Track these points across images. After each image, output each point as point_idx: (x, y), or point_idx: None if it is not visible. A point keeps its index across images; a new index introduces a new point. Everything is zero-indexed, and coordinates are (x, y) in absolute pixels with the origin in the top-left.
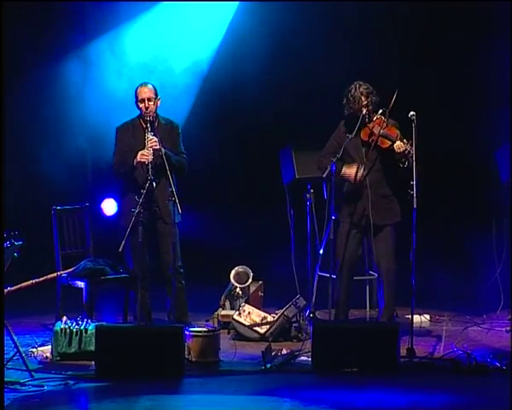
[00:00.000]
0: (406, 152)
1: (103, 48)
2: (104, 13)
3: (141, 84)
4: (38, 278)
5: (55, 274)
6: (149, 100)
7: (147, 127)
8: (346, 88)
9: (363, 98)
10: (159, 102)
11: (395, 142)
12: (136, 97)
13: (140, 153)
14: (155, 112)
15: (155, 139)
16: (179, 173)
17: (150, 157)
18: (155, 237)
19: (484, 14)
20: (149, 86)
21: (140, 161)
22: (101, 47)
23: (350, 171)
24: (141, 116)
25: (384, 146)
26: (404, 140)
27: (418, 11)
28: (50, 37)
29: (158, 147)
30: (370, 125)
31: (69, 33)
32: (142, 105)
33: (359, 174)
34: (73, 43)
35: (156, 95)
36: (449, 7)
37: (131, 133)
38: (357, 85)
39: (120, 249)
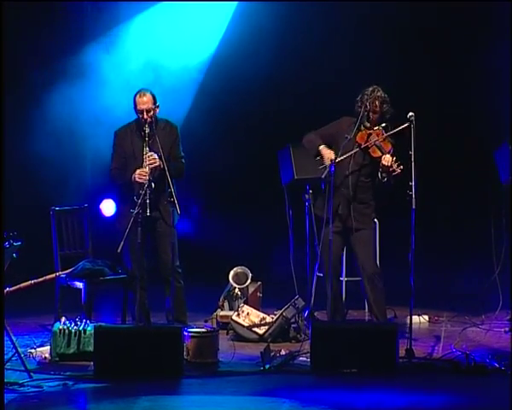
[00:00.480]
0: (391, 169)
1: (101, 48)
2: (103, 14)
3: (139, 93)
4: (37, 278)
5: (53, 275)
6: (148, 111)
7: (145, 141)
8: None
9: (377, 102)
10: (157, 110)
11: (385, 154)
12: (135, 105)
13: (138, 173)
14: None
15: (154, 156)
16: (177, 178)
17: (148, 176)
18: (154, 237)
19: (484, 14)
20: (148, 96)
21: (137, 182)
22: (99, 48)
23: (325, 150)
24: (139, 121)
25: (374, 155)
26: (395, 158)
27: (418, 11)
28: (48, 39)
29: (157, 164)
30: (369, 131)
31: (67, 35)
32: (140, 115)
33: (327, 156)
34: (71, 43)
35: (155, 103)
36: (449, 7)
37: (130, 138)
38: (376, 89)
39: (119, 250)
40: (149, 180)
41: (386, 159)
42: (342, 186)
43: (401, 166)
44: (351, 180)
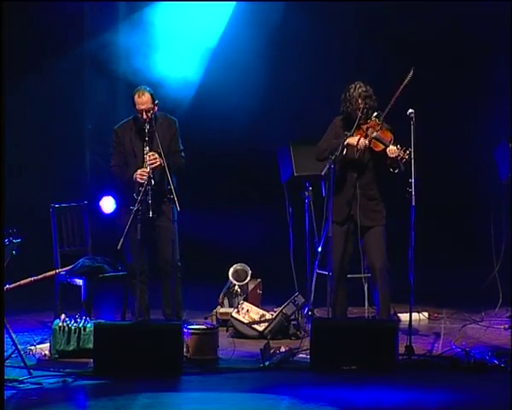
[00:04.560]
0: (399, 158)
1: (101, 44)
2: (103, 12)
3: (138, 93)
4: (37, 275)
5: (53, 272)
6: (147, 111)
7: (145, 141)
8: (346, 85)
9: (359, 100)
10: (156, 108)
11: (388, 146)
12: (134, 104)
13: (139, 173)
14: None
15: (155, 156)
16: (177, 173)
17: (149, 175)
18: (154, 234)
19: (484, 14)
20: (147, 95)
21: (138, 182)
22: (99, 43)
23: (353, 139)
24: (138, 118)
25: (377, 149)
26: (398, 146)
27: (418, 11)
28: (47, 37)
29: (158, 164)
30: (364, 126)
31: (66, 33)
32: (139, 115)
33: (362, 142)
34: (71, 41)
35: (154, 101)
36: (448, 6)
37: (129, 136)
38: (358, 86)
39: (119, 247)
40: (149, 177)
41: (392, 151)
42: (350, 186)
43: (408, 150)
44: (358, 179)
